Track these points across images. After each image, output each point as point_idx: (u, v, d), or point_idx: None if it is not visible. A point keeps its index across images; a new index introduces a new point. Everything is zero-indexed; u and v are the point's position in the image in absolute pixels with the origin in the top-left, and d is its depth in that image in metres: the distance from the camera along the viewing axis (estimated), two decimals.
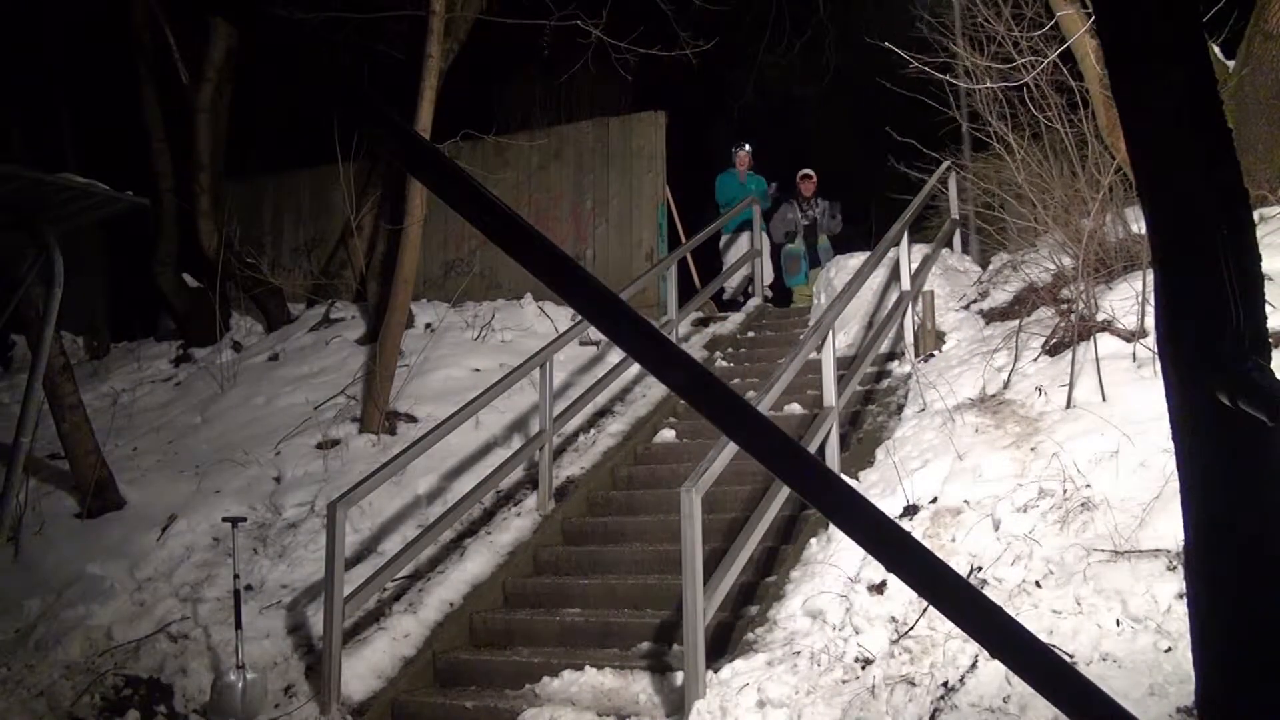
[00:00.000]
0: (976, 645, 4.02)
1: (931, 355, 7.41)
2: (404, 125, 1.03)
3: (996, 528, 4.87)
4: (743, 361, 9.09)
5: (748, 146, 11.55)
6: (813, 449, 5.73)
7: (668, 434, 7.78)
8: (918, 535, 5.00)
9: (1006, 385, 6.23)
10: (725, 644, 5.06)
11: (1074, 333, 5.95)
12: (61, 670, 6.02)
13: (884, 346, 7.77)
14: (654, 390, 8.36)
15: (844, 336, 8.27)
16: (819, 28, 13.86)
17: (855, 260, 8.67)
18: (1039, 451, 5.29)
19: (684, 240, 11.22)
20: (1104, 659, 4.03)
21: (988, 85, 7.59)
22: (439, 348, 9.56)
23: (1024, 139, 7.35)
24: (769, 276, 11.17)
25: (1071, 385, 5.67)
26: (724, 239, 11.40)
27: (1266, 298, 0.97)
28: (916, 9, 9.29)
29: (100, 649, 6.21)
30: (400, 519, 7.00)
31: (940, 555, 4.35)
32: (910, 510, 5.29)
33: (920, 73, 7.87)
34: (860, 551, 4.94)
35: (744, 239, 11.20)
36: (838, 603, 4.79)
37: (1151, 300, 5.00)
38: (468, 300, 10.79)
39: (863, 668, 4.41)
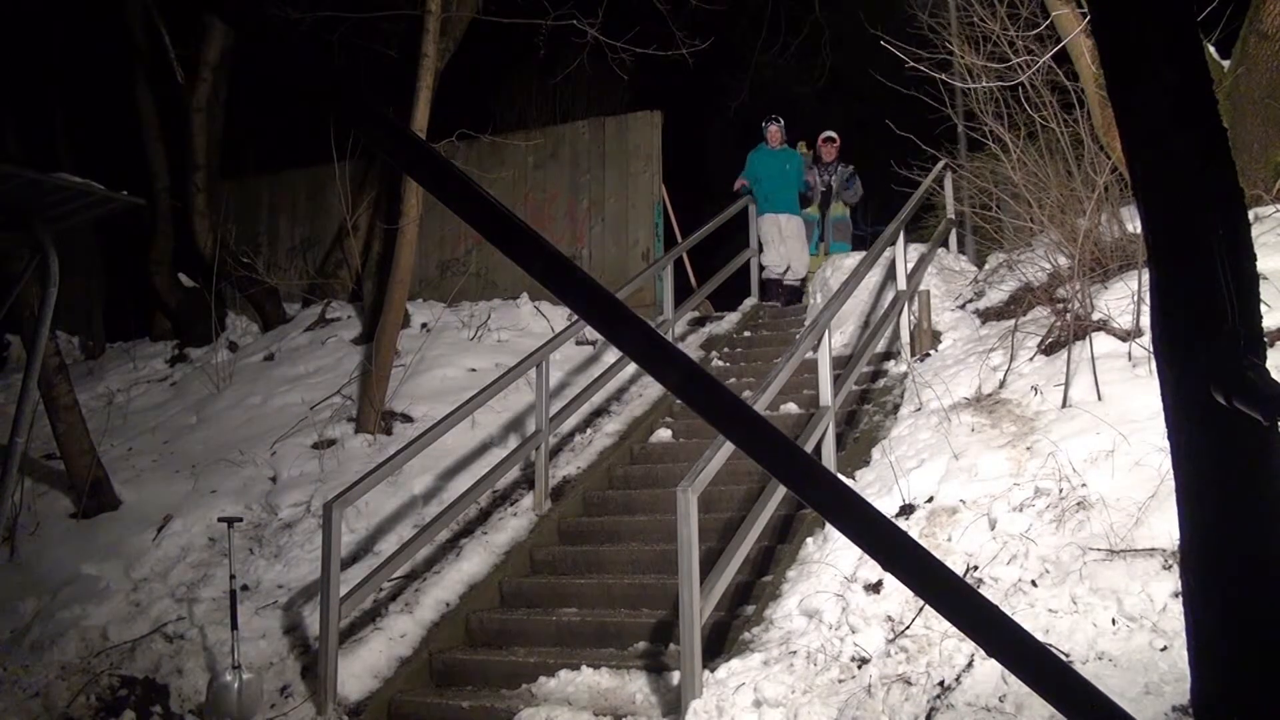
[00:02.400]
0: (973, 644, 4.02)
1: (927, 355, 7.42)
2: (400, 125, 1.03)
3: (992, 527, 4.88)
4: (739, 361, 9.09)
5: (780, 120, 10.94)
6: (809, 448, 5.74)
7: (664, 433, 7.78)
8: (914, 534, 5.00)
9: (1002, 385, 6.24)
10: (722, 643, 5.06)
11: (1070, 332, 5.96)
12: (57, 671, 6.01)
13: (880, 346, 7.78)
14: (650, 390, 8.36)
15: (840, 336, 8.28)
16: (814, 27, 13.87)
17: (851, 260, 8.68)
18: (1035, 451, 5.29)
19: (680, 240, 11.22)
20: (1100, 658, 4.04)
21: (984, 85, 7.60)
22: (435, 347, 9.55)
23: (1020, 138, 7.36)
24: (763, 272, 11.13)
25: (1067, 384, 5.68)
26: (759, 219, 10.77)
27: (1261, 297, 0.97)
28: (912, 8, 9.30)
29: (96, 649, 6.20)
30: (396, 519, 7.00)
31: (936, 554, 4.36)
32: (906, 509, 5.30)
33: (916, 72, 7.87)
34: (857, 551, 4.95)
35: (783, 219, 10.59)
36: (834, 602, 4.79)
37: (1147, 299, 5.01)
38: (464, 300, 10.79)
39: (859, 667, 4.41)
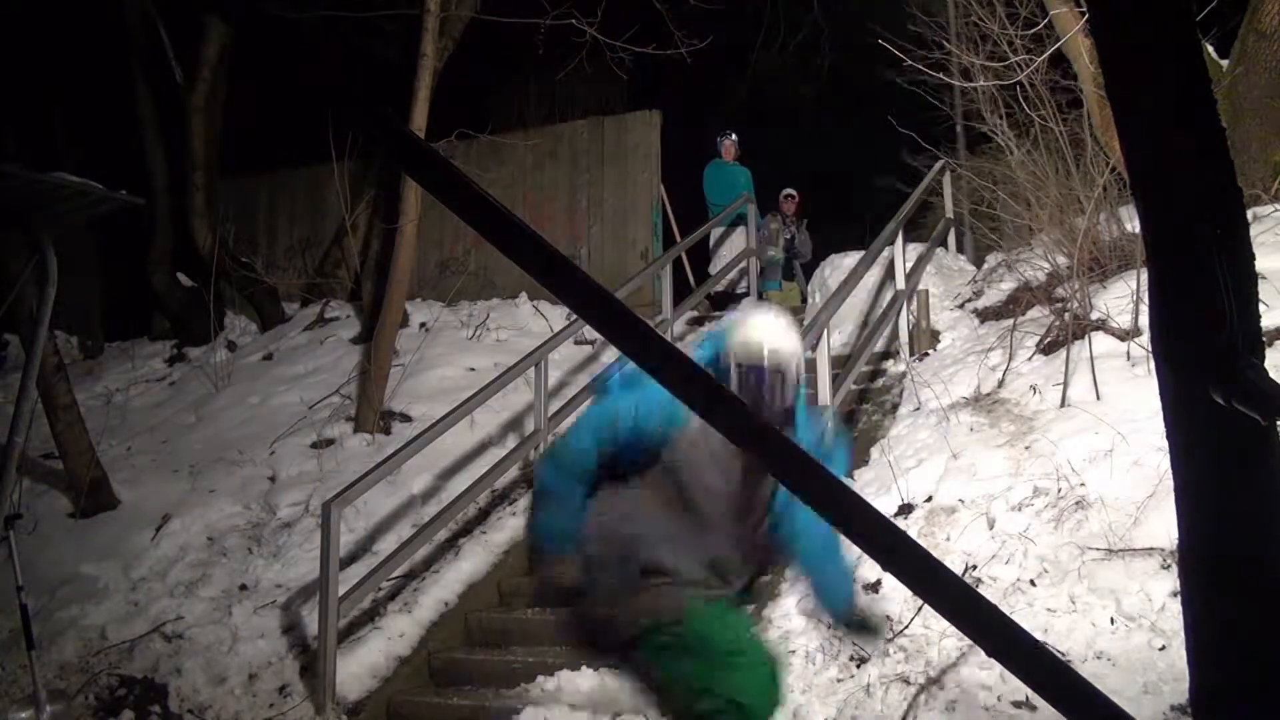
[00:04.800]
0: (971, 644, 4.02)
1: (926, 354, 7.42)
2: (399, 124, 1.03)
3: (991, 526, 4.88)
4: None
5: (734, 135, 11.52)
6: None
7: None
8: (913, 534, 5.00)
9: (1001, 384, 6.24)
10: None
11: (1068, 331, 5.96)
12: (55, 671, 6.01)
13: (879, 345, 7.78)
14: None
15: (839, 335, 8.27)
16: (814, 27, 13.87)
17: (850, 259, 8.67)
18: (1033, 450, 5.29)
19: (679, 239, 11.22)
20: (1098, 657, 4.04)
21: (982, 84, 7.60)
22: (434, 347, 9.55)
23: (1019, 138, 7.36)
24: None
25: (1066, 384, 5.68)
26: (717, 232, 11.38)
27: (1261, 297, 0.97)
28: (911, 8, 9.30)
29: (94, 649, 6.20)
30: (395, 518, 7.00)
31: (935, 554, 4.36)
32: (905, 509, 5.30)
33: (915, 71, 7.88)
34: (855, 550, 4.94)
35: (738, 234, 11.21)
36: None
37: (1146, 299, 5.02)
38: (463, 299, 10.78)
39: (858, 666, 4.42)
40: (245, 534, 7.15)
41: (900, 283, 7.96)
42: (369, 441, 8.09)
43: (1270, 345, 4.90)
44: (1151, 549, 4.37)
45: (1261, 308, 0.97)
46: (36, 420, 6.96)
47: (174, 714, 5.72)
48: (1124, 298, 6.08)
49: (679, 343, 9.46)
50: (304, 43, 9.67)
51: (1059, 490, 4.92)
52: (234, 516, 7.38)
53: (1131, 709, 0.94)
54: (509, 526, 6.66)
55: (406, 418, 8.43)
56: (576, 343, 9.24)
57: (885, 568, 1.01)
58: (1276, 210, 6.20)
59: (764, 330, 2.88)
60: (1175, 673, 3.81)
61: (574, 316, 8.28)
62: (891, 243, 7.97)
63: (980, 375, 6.44)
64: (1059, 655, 3.87)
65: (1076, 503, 4.80)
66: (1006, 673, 3.75)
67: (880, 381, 7.57)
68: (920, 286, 8.04)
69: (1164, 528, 4.35)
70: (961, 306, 8.17)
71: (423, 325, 10.17)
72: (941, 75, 7.84)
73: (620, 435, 2.80)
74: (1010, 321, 6.90)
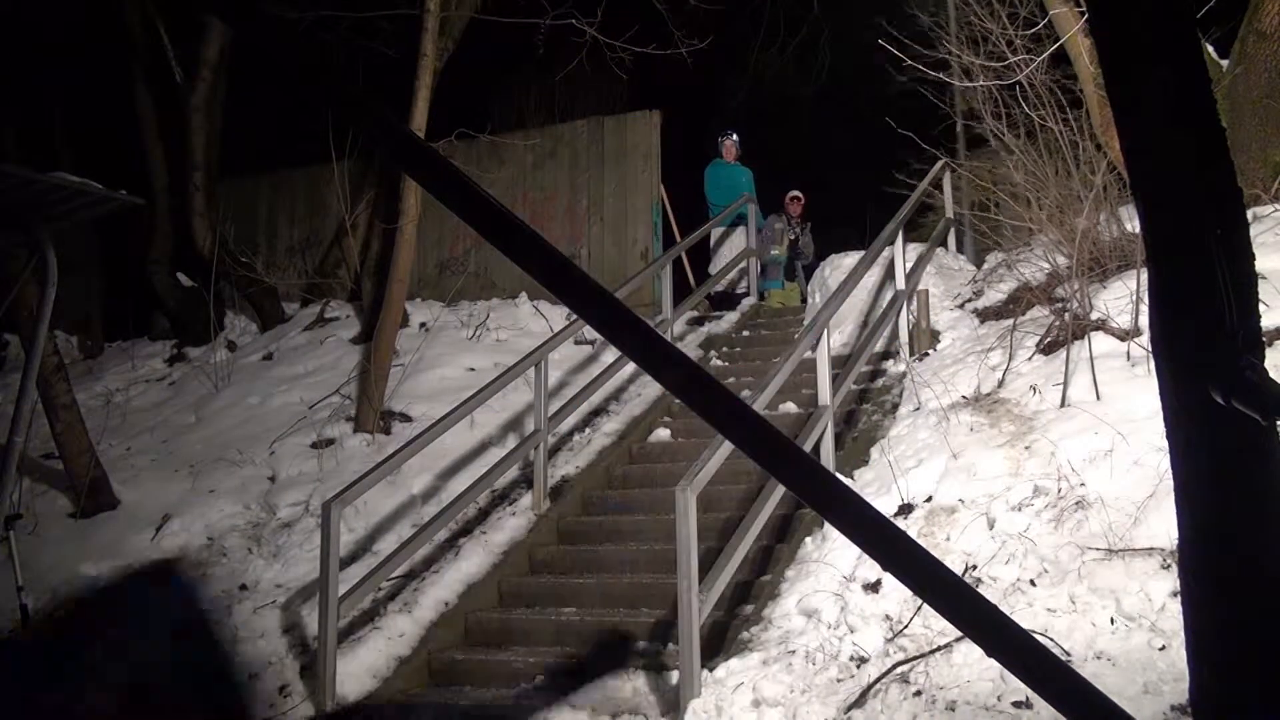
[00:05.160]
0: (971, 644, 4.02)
1: (926, 354, 7.42)
2: (399, 124, 1.03)
3: (991, 526, 4.88)
4: (738, 360, 9.10)
5: (734, 135, 11.63)
6: (808, 448, 5.73)
7: (663, 433, 7.78)
8: (913, 534, 5.00)
9: (1001, 384, 6.24)
10: (720, 643, 5.06)
11: (1068, 331, 5.96)
12: None
13: (879, 345, 7.78)
14: (649, 389, 8.36)
15: (839, 335, 8.27)
16: (813, 27, 13.88)
17: (850, 259, 8.66)
18: (1034, 450, 5.29)
19: (679, 239, 11.23)
20: (1098, 657, 4.04)
21: (982, 84, 7.60)
22: (434, 347, 9.55)
23: (1019, 138, 7.36)
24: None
25: (1066, 384, 5.68)
26: (718, 232, 11.41)
27: (1260, 297, 0.97)
28: (911, 8, 9.30)
29: None
30: (395, 518, 7.00)
31: (935, 554, 4.36)
32: (905, 509, 5.30)
33: (915, 71, 7.88)
34: (855, 550, 4.95)
35: (738, 234, 11.23)
36: (833, 601, 4.79)
37: (1146, 299, 5.02)
38: (463, 299, 10.79)
39: (858, 666, 4.42)
40: (245, 534, 7.15)
41: (900, 283, 7.96)
42: (369, 441, 8.09)
43: (1270, 345, 4.90)
44: (1151, 549, 4.37)
45: (1261, 308, 0.97)
46: (36, 420, 6.97)
47: None
48: (1124, 298, 6.08)
49: (679, 343, 9.47)
50: (304, 42, 9.67)
51: (1059, 490, 4.92)
52: (234, 516, 7.39)
53: (1131, 709, 0.94)
54: (509, 526, 6.67)
55: (406, 418, 8.44)
56: (576, 343, 9.25)
57: (885, 568, 1.01)
58: (1276, 210, 6.20)
59: None
60: (1175, 673, 3.81)
61: (574, 316, 8.28)
62: (891, 243, 7.97)
63: (980, 375, 6.44)
64: (1059, 655, 3.87)
65: (1076, 503, 4.80)
66: (1006, 673, 3.74)
67: (880, 381, 7.58)
68: (920, 286, 8.04)
69: (1164, 528, 4.36)
70: (961, 306, 8.17)
71: (423, 325, 10.18)
72: (942, 75, 7.84)
73: None
74: (1010, 321, 6.90)
